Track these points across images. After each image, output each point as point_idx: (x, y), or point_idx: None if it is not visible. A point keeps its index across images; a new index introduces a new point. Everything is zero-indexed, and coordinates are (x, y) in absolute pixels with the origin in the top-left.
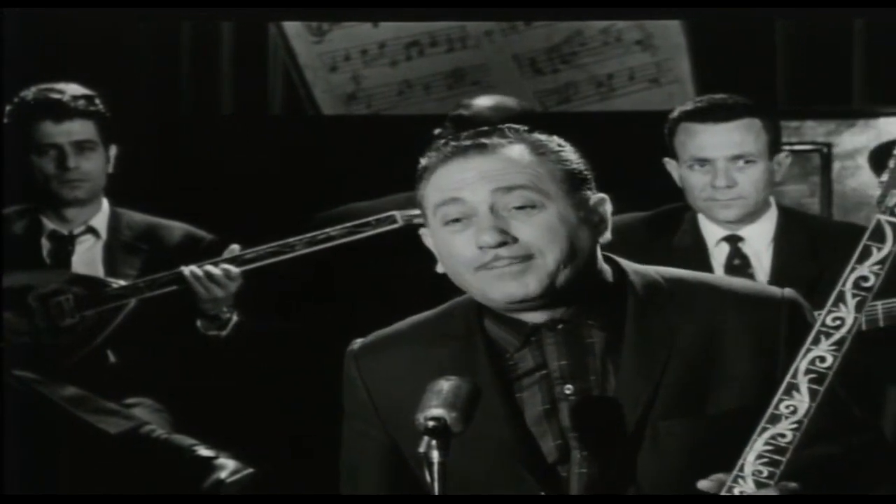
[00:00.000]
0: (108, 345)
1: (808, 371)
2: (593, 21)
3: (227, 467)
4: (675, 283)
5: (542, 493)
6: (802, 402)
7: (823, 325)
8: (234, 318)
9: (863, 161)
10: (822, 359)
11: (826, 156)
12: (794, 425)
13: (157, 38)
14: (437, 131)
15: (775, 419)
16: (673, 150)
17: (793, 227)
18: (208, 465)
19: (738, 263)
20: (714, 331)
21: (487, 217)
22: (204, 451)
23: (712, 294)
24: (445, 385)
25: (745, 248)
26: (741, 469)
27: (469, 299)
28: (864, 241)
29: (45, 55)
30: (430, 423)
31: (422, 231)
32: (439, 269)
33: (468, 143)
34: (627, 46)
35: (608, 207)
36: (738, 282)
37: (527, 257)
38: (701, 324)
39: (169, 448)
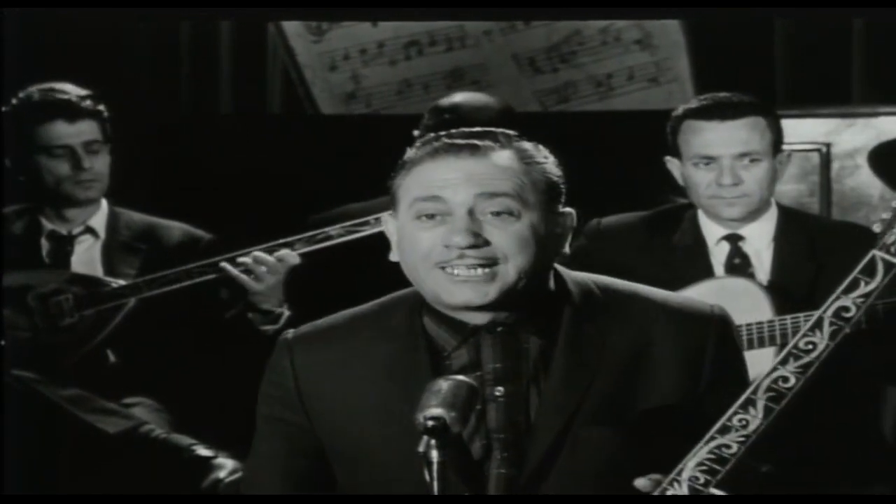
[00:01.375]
0: (107, 344)
1: (768, 389)
2: (592, 20)
3: (226, 467)
4: (609, 294)
5: (465, 493)
6: (756, 418)
7: (795, 347)
8: (287, 312)
9: (862, 160)
10: (786, 379)
11: (825, 155)
12: (742, 438)
13: (157, 37)
14: (415, 132)
15: (725, 430)
16: (676, 148)
17: (793, 226)
18: (207, 465)
19: (739, 262)
20: (644, 342)
21: (464, 219)
22: (203, 451)
23: (645, 306)
24: (444, 385)
25: (746, 247)
26: (679, 473)
27: (411, 295)
28: (854, 273)
29: (45, 55)
30: (430, 423)
31: (384, 216)
32: (393, 257)
33: (461, 142)
34: (626, 46)
35: (573, 223)
36: (671, 295)
37: (492, 261)
38: (631, 334)
39: (168, 447)
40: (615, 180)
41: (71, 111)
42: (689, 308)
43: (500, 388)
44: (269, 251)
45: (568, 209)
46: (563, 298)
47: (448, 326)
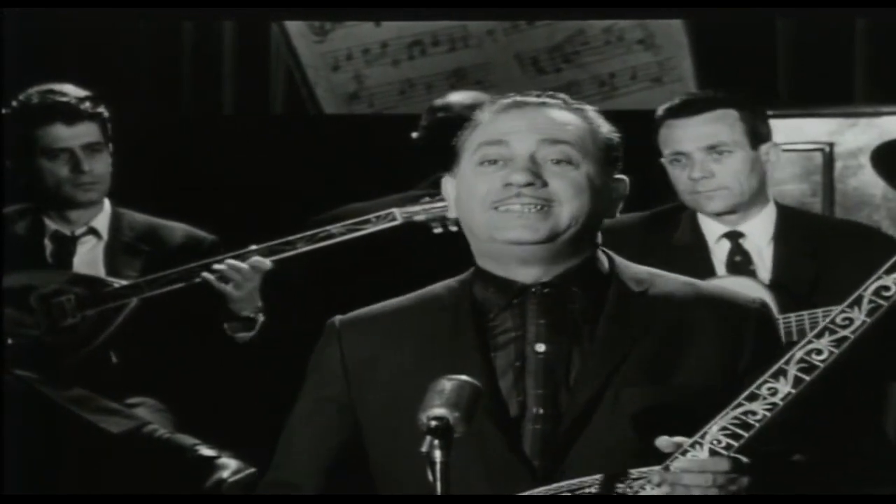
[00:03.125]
0: (110, 344)
1: (801, 360)
2: (595, 20)
3: (229, 467)
4: (657, 276)
5: (502, 445)
6: (784, 387)
7: (832, 322)
8: (261, 318)
9: (865, 160)
10: (819, 352)
11: (828, 155)
12: (769, 406)
13: (159, 37)
14: (414, 134)
15: (753, 397)
16: (658, 149)
17: (793, 224)
18: (210, 465)
19: (740, 260)
20: (686, 321)
21: (525, 160)
22: (206, 451)
23: (690, 290)
24: (448, 385)
25: (746, 244)
26: (702, 436)
27: (460, 276)
28: None
29: (45, 55)
30: (433, 423)
31: (444, 178)
32: (450, 213)
33: (531, 100)
34: (629, 46)
35: (626, 191)
36: (714, 285)
37: (547, 202)
38: (675, 312)
39: (171, 448)
40: None
41: (70, 114)
42: (732, 297)
43: (542, 346)
44: (242, 258)
45: (623, 176)
46: (610, 270)
47: (496, 288)
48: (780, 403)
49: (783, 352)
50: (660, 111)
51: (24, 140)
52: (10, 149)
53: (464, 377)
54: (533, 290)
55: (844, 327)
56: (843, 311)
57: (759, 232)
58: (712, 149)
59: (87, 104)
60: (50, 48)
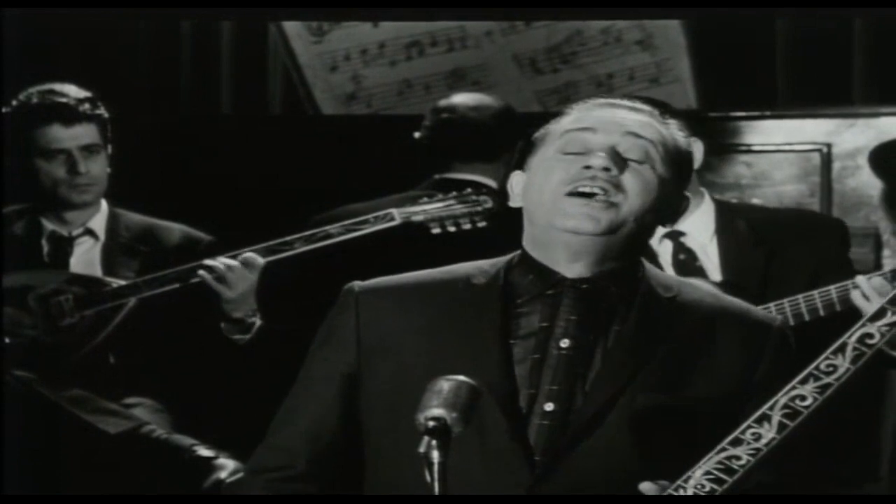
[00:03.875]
0: (108, 344)
1: (785, 406)
2: (593, 21)
3: (227, 467)
4: (684, 284)
5: (508, 437)
6: (769, 433)
7: (816, 368)
8: (258, 321)
9: (863, 161)
10: (803, 398)
11: (826, 156)
12: (752, 452)
13: (157, 38)
14: (416, 134)
15: (737, 442)
16: None
17: (732, 216)
18: (208, 465)
19: (685, 258)
20: (711, 332)
21: (607, 148)
22: (204, 451)
23: (715, 302)
24: (446, 385)
25: (689, 241)
26: (686, 480)
27: (494, 261)
28: (882, 302)
29: (45, 55)
30: (431, 423)
31: (515, 173)
32: (513, 203)
33: (621, 101)
34: (627, 46)
35: (687, 206)
36: (741, 302)
37: (617, 189)
38: (699, 323)
39: (169, 448)
40: None
41: (68, 115)
42: (755, 314)
43: (567, 341)
44: (234, 257)
45: (688, 194)
46: (644, 276)
47: (536, 275)
48: (764, 449)
49: (793, 374)
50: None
51: (21, 140)
52: (8, 148)
53: (461, 377)
54: (571, 283)
55: (828, 374)
56: (826, 358)
57: (699, 228)
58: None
59: (87, 105)
60: (50, 48)
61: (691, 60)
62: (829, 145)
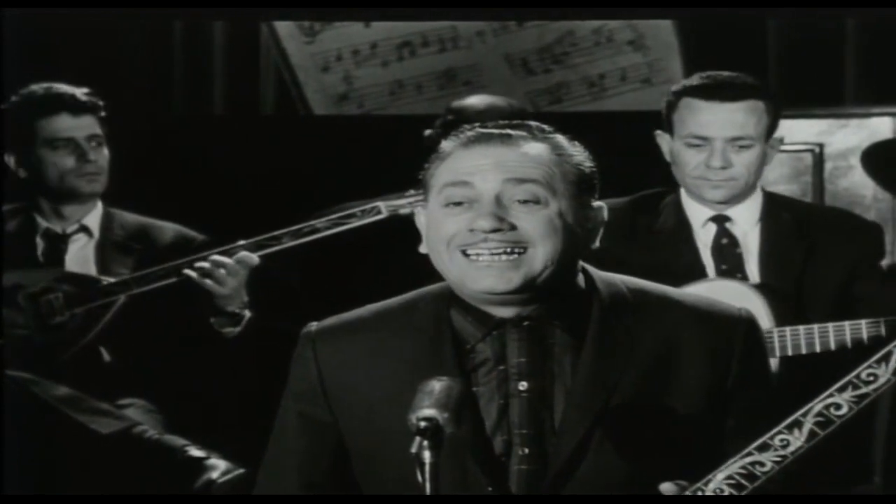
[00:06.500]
0: (99, 342)
1: (819, 413)
2: (585, 21)
3: (219, 468)
4: (638, 295)
5: (488, 487)
6: (798, 440)
7: (857, 377)
8: (248, 314)
9: (855, 161)
10: (839, 406)
11: (818, 156)
12: (778, 458)
13: (150, 37)
14: (427, 132)
15: (764, 448)
16: (670, 123)
17: (779, 208)
18: (200, 466)
19: (726, 243)
20: (672, 342)
21: (490, 204)
22: (195, 452)
23: (673, 307)
24: (437, 385)
25: (733, 228)
26: (706, 483)
27: (438, 290)
28: None
29: (43, 55)
30: (423, 424)
31: (417, 209)
32: (422, 248)
33: (495, 131)
34: (619, 46)
35: (604, 218)
36: (699, 298)
37: (518, 246)
38: (660, 334)
39: (161, 448)
40: (608, 181)
41: (74, 105)
42: (718, 310)
43: (524, 384)
44: (228, 254)
45: (600, 202)
46: (591, 296)
47: (474, 318)
48: (790, 457)
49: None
50: (680, 86)
51: (25, 133)
52: (10, 142)
53: (452, 378)
54: (512, 323)
55: (868, 383)
56: (868, 367)
57: (746, 216)
58: (736, 140)
59: (89, 98)
60: (46, 48)
61: (683, 61)
62: (821, 145)
